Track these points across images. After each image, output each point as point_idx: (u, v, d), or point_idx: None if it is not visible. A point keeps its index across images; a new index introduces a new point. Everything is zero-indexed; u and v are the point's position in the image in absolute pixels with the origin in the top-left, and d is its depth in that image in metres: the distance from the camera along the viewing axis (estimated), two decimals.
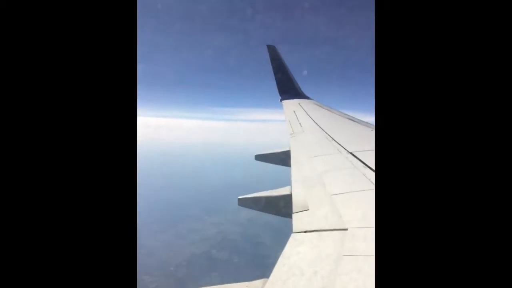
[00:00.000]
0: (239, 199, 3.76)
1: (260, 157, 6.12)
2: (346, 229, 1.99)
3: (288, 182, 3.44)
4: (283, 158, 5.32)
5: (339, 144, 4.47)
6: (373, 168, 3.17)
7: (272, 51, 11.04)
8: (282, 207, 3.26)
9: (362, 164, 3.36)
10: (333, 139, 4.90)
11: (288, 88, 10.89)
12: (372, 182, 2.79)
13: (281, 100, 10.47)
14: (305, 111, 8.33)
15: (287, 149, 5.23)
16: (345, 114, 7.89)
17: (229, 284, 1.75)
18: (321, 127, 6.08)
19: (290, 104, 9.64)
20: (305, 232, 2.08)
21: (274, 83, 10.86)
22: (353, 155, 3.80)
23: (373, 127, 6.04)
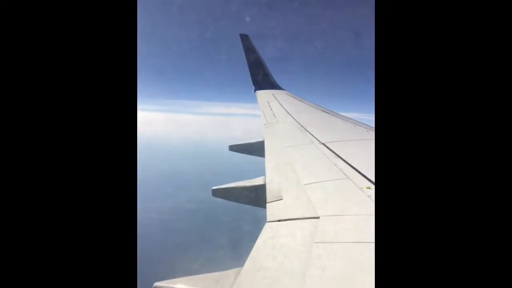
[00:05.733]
0: (212, 189, 3.75)
1: (234, 148, 6.12)
2: (318, 217, 2.05)
3: (258, 173, 3.47)
4: (257, 149, 5.35)
5: (312, 135, 4.56)
6: (344, 158, 3.28)
7: (246, 40, 10.92)
8: (256, 197, 3.30)
9: (334, 155, 3.46)
10: (306, 129, 4.99)
11: (262, 79, 10.87)
12: (342, 172, 2.89)
13: (254, 91, 10.45)
14: (278, 102, 8.38)
15: (261, 139, 5.26)
16: (317, 105, 8.03)
17: (203, 274, 1.76)
18: (295, 118, 6.16)
19: (264, 95, 9.65)
20: (278, 221, 2.13)
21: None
22: (325, 145, 3.89)
23: (344, 118, 6.21)
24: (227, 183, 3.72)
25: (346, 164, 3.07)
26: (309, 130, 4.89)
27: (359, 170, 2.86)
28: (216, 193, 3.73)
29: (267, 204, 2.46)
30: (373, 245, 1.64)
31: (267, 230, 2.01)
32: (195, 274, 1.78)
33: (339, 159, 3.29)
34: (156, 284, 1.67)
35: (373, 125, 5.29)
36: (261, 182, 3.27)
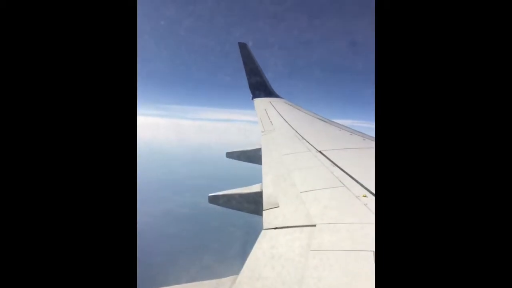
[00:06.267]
0: (209, 196, 3.74)
1: (231, 155, 6.12)
2: (314, 225, 2.05)
3: (255, 180, 3.47)
4: (254, 156, 5.36)
5: (309, 143, 4.58)
6: (340, 166, 3.29)
7: (244, 49, 11.01)
8: (252, 204, 3.29)
9: (330, 163, 3.48)
10: (303, 137, 5.01)
11: (260, 87, 10.94)
12: (339, 180, 2.90)
13: (252, 98, 10.51)
14: (276, 110, 8.42)
15: (258, 146, 5.28)
16: (314, 113, 8.08)
17: (198, 282, 1.74)
18: (292, 125, 6.19)
19: (261, 103, 9.70)
20: (275, 228, 2.12)
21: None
22: (321, 153, 3.91)
23: (340, 126, 6.25)
24: (224, 189, 3.71)
25: (343, 172, 3.09)
26: (306, 138, 4.91)
27: (355, 178, 2.88)
28: (213, 200, 3.73)
29: (264, 212, 2.46)
30: (369, 253, 1.65)
31: (264, 238, 2.00)
32: (191, 280, 1.77)
33: (335, 167, 3.30)
34: None
35: (367, 132, 5.33)
36: (258, 189, 3.28)
